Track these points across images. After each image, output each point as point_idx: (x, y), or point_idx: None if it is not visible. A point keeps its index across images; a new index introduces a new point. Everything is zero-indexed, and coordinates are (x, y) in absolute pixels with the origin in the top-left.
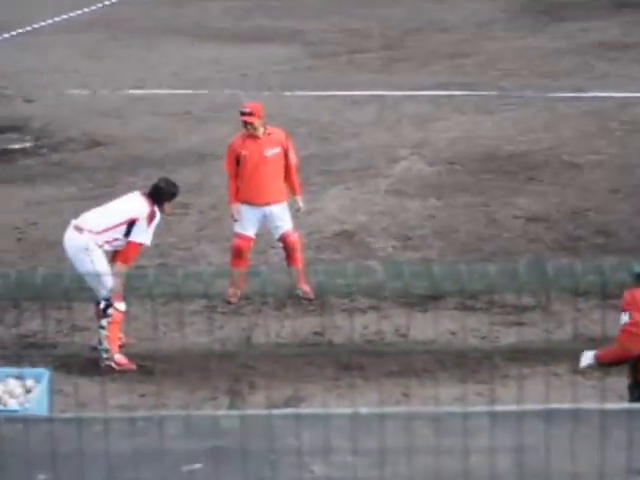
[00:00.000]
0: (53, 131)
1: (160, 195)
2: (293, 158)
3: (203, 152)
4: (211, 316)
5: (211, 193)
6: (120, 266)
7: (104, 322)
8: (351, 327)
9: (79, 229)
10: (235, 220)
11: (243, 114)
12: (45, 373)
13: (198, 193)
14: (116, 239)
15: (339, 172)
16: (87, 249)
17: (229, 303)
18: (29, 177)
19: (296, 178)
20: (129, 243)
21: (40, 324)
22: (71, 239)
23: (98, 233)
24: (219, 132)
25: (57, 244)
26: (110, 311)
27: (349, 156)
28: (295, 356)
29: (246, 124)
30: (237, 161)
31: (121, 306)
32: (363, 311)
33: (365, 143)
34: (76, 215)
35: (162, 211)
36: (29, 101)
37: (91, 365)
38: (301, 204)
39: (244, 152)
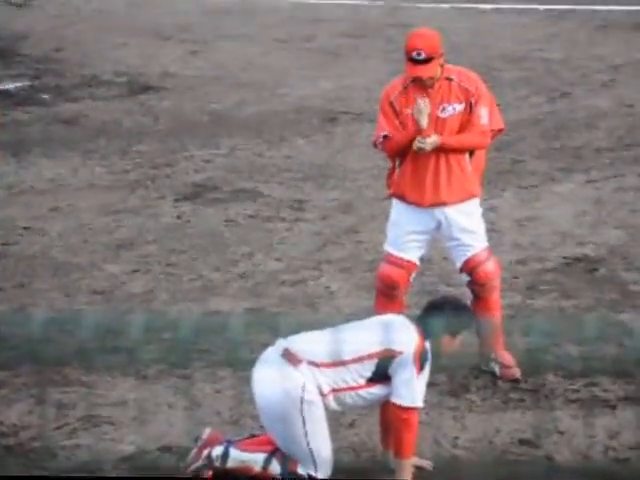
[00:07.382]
0: (63, 63)
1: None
2: (482, 120)
3: (332, 108)
4: None
5: (343, 183)
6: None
7: None
8: (587, 434)
9: (294, 358)
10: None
11: (414, 61)
12: None
13: (320, 183)
14: (354, 387)
15: (575, 150)
16: (304, 399)
17: None
18: (16, 145)
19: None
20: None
21: (29, 411)
22: (276, 375)
23: (327, 367)
24: (362, 72)
25: (67, 266)
26: None
27: (593, 124)
28: None
29: (415, 80)
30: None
31: None
32: (610, 405)
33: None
34: (93, 220)
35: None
36: (19, 4)
37: None
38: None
39: (407, 110)
